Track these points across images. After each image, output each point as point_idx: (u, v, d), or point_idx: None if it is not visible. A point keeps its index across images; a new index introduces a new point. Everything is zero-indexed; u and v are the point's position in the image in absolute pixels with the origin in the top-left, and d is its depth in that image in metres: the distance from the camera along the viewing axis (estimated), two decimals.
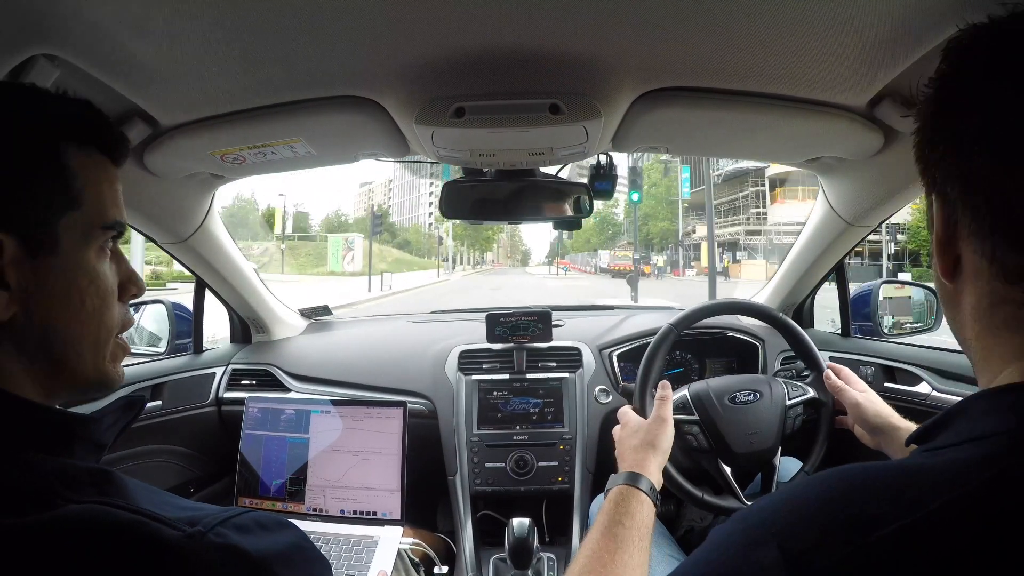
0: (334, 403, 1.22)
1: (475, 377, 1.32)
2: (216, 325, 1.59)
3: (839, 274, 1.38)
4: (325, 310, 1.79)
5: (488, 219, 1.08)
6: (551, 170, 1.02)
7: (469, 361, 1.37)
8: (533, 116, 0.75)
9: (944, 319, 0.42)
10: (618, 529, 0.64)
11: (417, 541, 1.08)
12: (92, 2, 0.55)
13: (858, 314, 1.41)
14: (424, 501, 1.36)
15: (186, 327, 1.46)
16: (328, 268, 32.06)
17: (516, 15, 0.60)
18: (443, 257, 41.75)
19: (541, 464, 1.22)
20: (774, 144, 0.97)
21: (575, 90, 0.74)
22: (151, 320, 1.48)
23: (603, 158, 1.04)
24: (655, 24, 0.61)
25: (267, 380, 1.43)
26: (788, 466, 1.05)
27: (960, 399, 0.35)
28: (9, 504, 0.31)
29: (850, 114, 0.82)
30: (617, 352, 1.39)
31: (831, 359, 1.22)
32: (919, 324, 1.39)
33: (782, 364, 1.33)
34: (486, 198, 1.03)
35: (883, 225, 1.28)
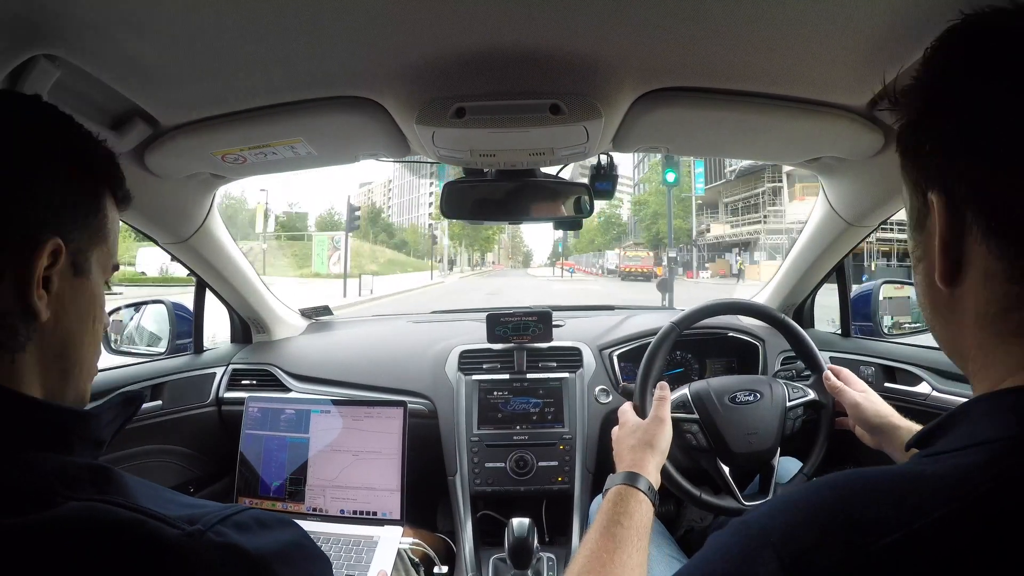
0: (334, 403, 1.22)
1: (475, 377, 1.33)
2: (216, 326, 1.60)
3: (839, 274, 1.38)
4: (326, 310, 1.79)
5: (489, 219, 1.08)
6: (552, 170, 1.02)
7: (469, 361, 1.37)
8: (534, 116, 0.75)
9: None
10: (617, 529, 0.64)
11: (417, 541, 1.08)
12: (93, 3, 0.55)
13: (858, 314, 1.41)
14: (424, 501, 1.36)
15: (186, 327, 1.46)
16: (313, 269, 29.12)
17: (517, 15, 0.60)
18: (439, 258, 38.94)
19: (541, 464, 1.22)
20: (774, 144, 0.97)
21: (576, 90, 0.74)
22: (151, 320, 1.48)
23: (604, 158, 1.04)
24: (656, 24, 0.61)
25: (267, 380, 1.43)
26: (787, 467, 1.05)
27: (961, 401, 0.34)
28: (9, 504, 0.31)
29: (850, 114, 0.82)
30: (617, 352, 1.39)
31: (831, 359, 1.22)
32: (919, 324, 1.39)
33: (782, 364, 1.33)
34: (486, 198, 1.03)
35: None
